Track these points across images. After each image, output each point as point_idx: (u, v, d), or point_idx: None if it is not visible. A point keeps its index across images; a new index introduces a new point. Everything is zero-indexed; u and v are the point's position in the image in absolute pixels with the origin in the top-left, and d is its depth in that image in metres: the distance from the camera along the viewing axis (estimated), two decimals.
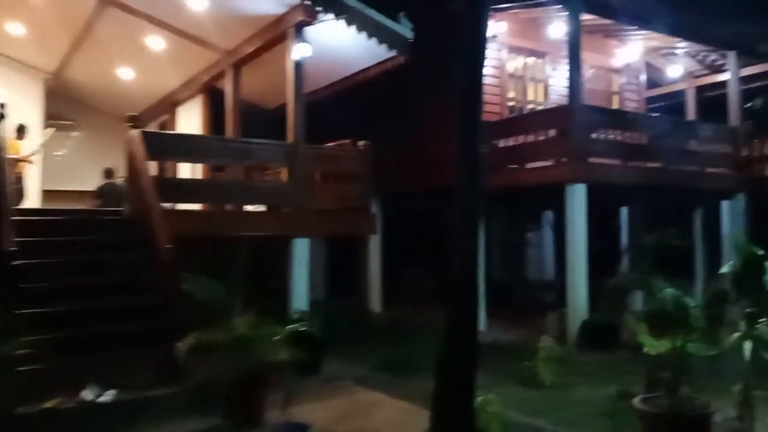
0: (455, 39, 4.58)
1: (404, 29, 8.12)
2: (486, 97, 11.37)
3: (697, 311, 4.56)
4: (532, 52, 12.02)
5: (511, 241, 17.31)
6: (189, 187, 7.74)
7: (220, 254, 8.71)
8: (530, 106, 12.09)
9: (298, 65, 8.08)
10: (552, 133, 10.10)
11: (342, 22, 7.80)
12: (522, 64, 12.02)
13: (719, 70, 13.55)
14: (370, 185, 8.91)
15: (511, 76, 11.87)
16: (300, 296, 7.90)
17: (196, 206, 8.88)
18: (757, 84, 13.30)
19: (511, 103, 11.80)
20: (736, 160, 11.66)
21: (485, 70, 11.32)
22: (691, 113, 14.12)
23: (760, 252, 4.45)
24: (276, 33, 8.47)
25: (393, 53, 8.43)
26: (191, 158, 7.66)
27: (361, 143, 8.97)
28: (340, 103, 10.62)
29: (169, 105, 13.20)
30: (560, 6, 9.92)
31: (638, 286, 8.22)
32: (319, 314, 10.99)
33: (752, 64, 12.70)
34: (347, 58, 9.13)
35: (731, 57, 11.95)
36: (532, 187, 10.27)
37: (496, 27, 11.30)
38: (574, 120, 9.41)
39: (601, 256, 13.37)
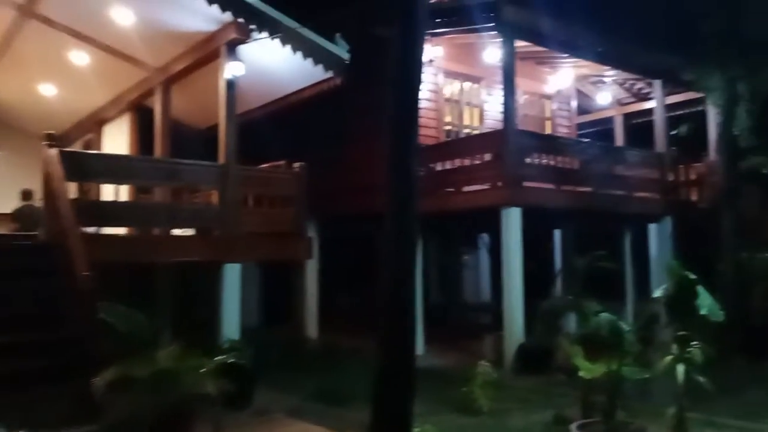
0: (389, 62, 4.47)
1: (341, 50, 8.01)
2: (423, 121, 11.38)
3: (631, 335, 4.54)
4: (467, 77, 12.16)
5: (448, 263, 17.37)
6: (111, 210, 7.30)
7: (145, 282, 8.28)
8: (466, 131, 12.20)
9: (231, 84, 7.83)
10: (487, 157, 10.17)
11: (277, 42, 7.62)
12: (458, 89, 12.13)
13: (646, 98, 14.10)
14: (305, 209, 8.69)
15: (448, 100, 11.97)
16: (231, 325, 7.55)
17: (121, 230, 8.44)
18: (682, 111, 13.89)
19: (447, 127, 11.88)
20: (663, 185, 12.07)
21: (422, 94, 11.49)
22: (619, 139, 14.60)
23: (692, 276, 4.49)
24: (208, 51, 8.20)
25: (329, 74, 8.30)
26: (113, 179, 7.24)
27: (296, 165, 8.75)
28: (275, 124, 10.39)
29: (95, 123, 12.63)
30: (494, 32, 10.05)
31: (571, 308, 8.33)
32: (253, 342, 10.60)
33: (677, 93, 13.26)
34: (282, 78, 8.94)
35: (657, 85, 12.44)
36: (468, 210, 10.31)
37: (433, 51, 11.37)
38: (509, 144, 9.51)
39: (537, 279, 13.55)
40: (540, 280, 13.73)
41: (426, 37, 11.28)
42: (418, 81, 4.49)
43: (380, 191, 9.93)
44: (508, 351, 9.49)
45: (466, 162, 10.44)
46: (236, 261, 7.64)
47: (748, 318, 10.01)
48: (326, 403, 7.44)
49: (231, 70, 7.77)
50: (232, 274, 7.63)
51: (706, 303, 4.43)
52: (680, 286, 4.56)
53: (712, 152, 12.20)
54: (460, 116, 12.15)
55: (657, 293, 4.78)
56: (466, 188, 10.38)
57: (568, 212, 10.95)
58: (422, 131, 11.28)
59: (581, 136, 15.07)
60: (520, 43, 10.83)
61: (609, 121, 15.31)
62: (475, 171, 10.25)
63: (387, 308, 4.37)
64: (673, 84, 12.45)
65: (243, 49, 7.94)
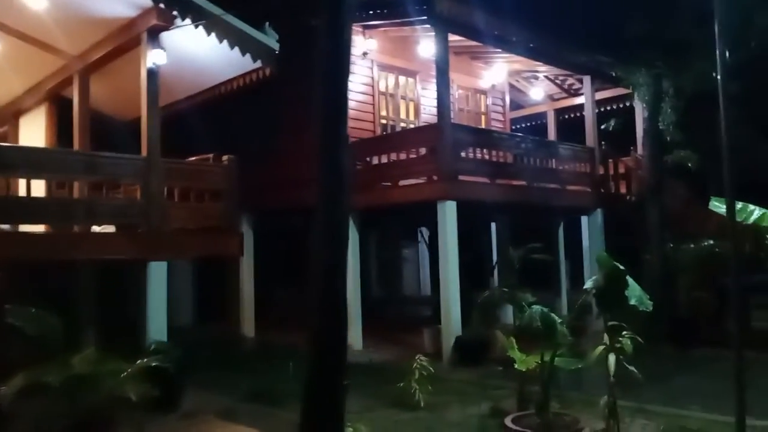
0: (317, 53, 4.28)
1: (270, 40, 7.73)
2: (358, 114, 11.29)
3: (562, 326, 4.53)
4: (403, 71, 12.08)
5: (388, 257, 17.32)
6: (24, 206, 6.80)
7: (66, 282, 7.80)
8: (402, 125, 12.11)
9: (153, 73, 7.44)
10: (423, 151, 10.12)
11: (201, 29, 7.28)
12: (394, 83, 12.03)
13: (577, 93, 14.41)
14: (236, 203, 8.38)
15: (383, 94, 11.84)
16: (157, 325, 7.19)
17: (38, 227, 7.90)
18: (612, 107, 14.26)
19: (383, 121, 11.76)
20: (593, 179, 12.34)
21: (356, 87, 11.35)
22: (552, 134, 14.87)
23: (621, 267, 4.51)
24: (128, 38, 7.77)
25: (258, 64, 8.00)
26: (27, 173, 6.74)
27: (225, 158, 8.43)
28: (206, 117, 10.00)
29: (10, 115, 11.85)
30: (428, 26, 9.99)
31: (507, 300, 8.37)
32: (185, 342, 10.17)
33: (606, 88, 13.58)
34: (209, 68, 8.57)
35: (586, 81, 12.70)
36: (405, 204, 10.23)
37: (367, 44, 11.23)
38: (444, 138, 9.48)
39: (475, 271, 13.65)
40: (478, 272, 13.89)
41: (359, 30, 11.27)
42: (347, 72, 4.31)
43: (313, 184, 9.71)
44: (445, 344, 9.47)
45: (402, 156, 10.34)
46: (162, 259, 7.28)
47: (674, 308, 10.34)
48: (261, 404, 7.20)
49: (152, 58, 7.38)
50: (157, 273, 7.26)
51: (635, 293, 4.46)
52: (609, 277, 4.58)
53: (640, 147, 12.56)
54: (397, 110, 12.05)
55: (588, 284, 4.79)
56: (403, 182, 10.29)
57: (503, 205, 11.06)
58: (358, 125, 11.21)
59: (515, 131, 15.28)
60: (454, 38, 10.83)
61: (542, 116, 15.59)
62: (411, 165, 10.18)
63: (317, 304, 4.19)
64: (602, 80, 12.75)
65: (166, 37, 7.56)
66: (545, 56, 11.72)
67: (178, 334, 11.92)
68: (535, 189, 11.18)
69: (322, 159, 4.24)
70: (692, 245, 10.49)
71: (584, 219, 12.58)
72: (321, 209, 4.20)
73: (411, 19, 9.99)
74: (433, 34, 9.91)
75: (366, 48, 11.26)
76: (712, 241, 10.38)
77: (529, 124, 16.04)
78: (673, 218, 11.27)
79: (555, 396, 6.79)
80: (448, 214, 9.39)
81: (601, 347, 5.44)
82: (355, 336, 10.69)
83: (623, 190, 13.26)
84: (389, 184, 10.43)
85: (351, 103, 11.05)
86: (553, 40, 11.46)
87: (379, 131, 11.54)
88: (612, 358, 5.33)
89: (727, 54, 9.65)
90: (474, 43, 11.48)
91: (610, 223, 12.70)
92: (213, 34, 7.30)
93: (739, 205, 5.15)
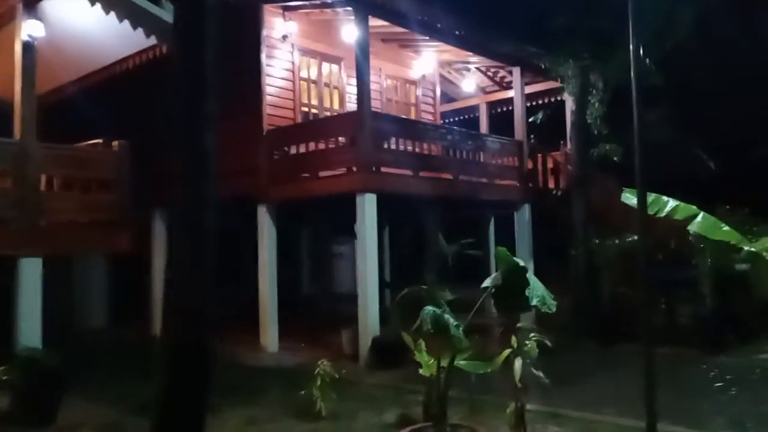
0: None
1: (165, 13, 7.02)
2: (278, 101, 10.67)
3: (458, 330, 4.08)
4: (326, 57, 11.50)
5: (320, 252, 16.73)
6: None
7: None
8: (327, 114, 11.54)
9: (29, 47, 6.63)
10: (343, 140, 9.59)
11: (86, 1, 6.52)
12: (316, 69, 11.43)
13: (509, 86, 14.13)
14: (128, 193, 7.63)
15: (305, 80, 11.23)
16: (30, 330, 6.42)
17: None
18: (543, 100, 14.08)
19: (305, 109, 11.15)
20: (521, 173, 12.08)
21: (276, 72, 10.71)
22: (484, 128, 14.58)
23: (522, 264, 4.09)
24: (3, 9, 6.94)
25: (153, 41, 7.28)
26: None
27: (115, 144, 7.66)
28: (103, 100, 9.15)
29: None
30: (349, 8, 9.44)
31: (425, 298, 7.93)
32: (87, 346, 9.40)
33: (537, 82, 13.37)
34: (99, 45, 7.76)
35: (516, 73, 12.43)
36: (326, 196, 9.68)
37: (286, 26, 10.60)
38: (364, 127, 8.97)
39: (411, 267, 13.24)
40: (415, 268, 13.49)
41: (279, 11, 10.63)
42: (209, 36, 3.73)
43: (235, 175, 8.97)
44: (362, 345, 9.00)
45: (322, 146, 9.79)
46: (35, 255, 6.49)
47: (598, 304, 10.17)
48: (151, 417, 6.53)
49: (28, 30, 6.59)
50: (30, 271, 6.47)
51: (537, 293, 4.06)
52: (509, 274, 4.16)
53: (569, 141, 12.39)
54: (320, 98, 11.46)
55: (486, 282, 4.37)
56: (324, 173, 9.75)
57: (429, 199, 10.62)
58: (277, 112, 10.59)
59: (448, 124, 14.95)
60: (380, 23, 10.34)
61: (475, 109, 15.30)
62: (331, 155, 9.65)
63: (172, 311, 3.60)
64: (532, 72, 12.50)
65: (46, 9, 6.77)
66: (473, 45, 11.36)
67: (83, 337, 11.17)
68: (462, 182, 10.82)
69: (180, 139, 3.67)
70: (617, 240, 10.33)
71: (516, 213, 12.32)
72: (178, 199, 3.62)
73: (331, 0, 9.42)
74: (354, 17, 9.36)
75: (286, 31, 10.63)
76: (635, 236, 10.23)
77: (461, 117, 15.72)
78: (599, 212, 11.11)
79: (465, 401, 6.43)
80: (367, 207, 8.91)
81: (508, 351, 5.08)
82: (270, 338, 10.12)
83: (552, 184, 13.08)
84: (308, 175, 9.87)
85: (270, 89, 10.47)
86: (480, 29, 11.10)
87: (300, 120, 10.93)
88: (518, 362, 4.97)
89: (648, 48, 9.53)
90: (401, 29, 11.00)
91: (540, 218, 12.50)
92: (98, 5, 6.55)
93: (652, 196, 4.83)
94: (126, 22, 6.71)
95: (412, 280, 11.34)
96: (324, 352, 9.94)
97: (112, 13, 6.63)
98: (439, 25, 10.20)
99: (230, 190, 10.61)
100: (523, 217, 12.15)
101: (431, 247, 14.19)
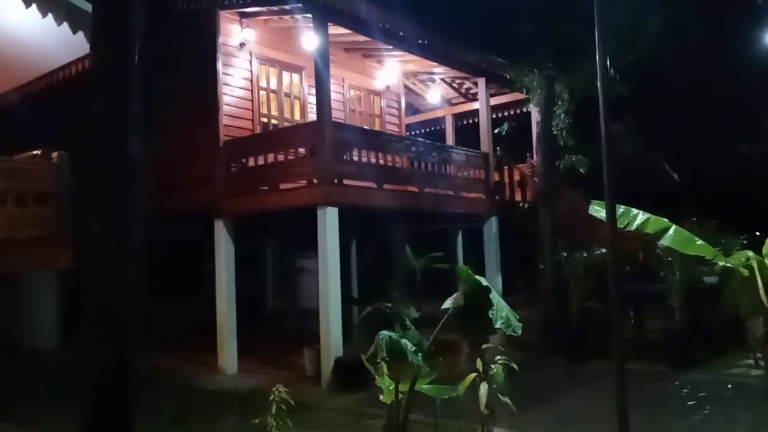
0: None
1: None
2: (236, 111, 10.29)
3: (417, 356, 3.73)
4: (286, 66, 11.13)
5: (286, 268, 16.26)
6: None
7: None
8: (287, 125, 11.14)
9: None
10: (303, 152, 9.21)
11: (19, 2, 6.05)
12: (276, 78, 11.05)
13: (475, 98, 13.93)
14: (68, 207, 7.10)
15: (265, 89, 10.83)
16: None
17: None
18: (509, 112, 13.92)
19: (264, 120, 10.75)
20: (488, 185, 11.84)
21: (234, 81, 10.30)
22: (450, 140, 14.35)
23: (485, 283, 3.76)
24: None
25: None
26: None
27: (55, 155, 7.15)
28: (43, 108, 8.62)
29: None
30: (308, 15, 9.10)
31: (391, 317, 7.58)
32: (29, 368, 8.82)
33: (503, 93, 13.20)
34: (38, 50, 7.28)
35: (481, 83, 12.22)
36: (286, 210, 9.28)
37: (244, 34, 10.23)
38: (324, 138, 8.60)
39: (379, 283, 12.86)
40: (382, 283, 13.12)
41: (236, 18, 10.24)
42: (135, 29, 3.34)
43: (191, 188, 8.42)
44: (325, 367, 8.58)
45: (281, 157, 9.39)
46: None
47: (567, 319, 9.93)
48: None
49: None
50: None
51: (500, 314, 3.74)
52: (471, 294, 3.84)
53: (535, 153, 12.20)
54: (280, 108, 11.08)
55: (447, 303, 4.03)
56: (284, 186, 9.36)
57: (395, 212, 10.30)
58: (235, 122, 10.18)
59: (414, 136, 14.69)
60: (341, 31, 10.05)
61: (440, 121, 15.06)
62: (290, 167, 9.26)
63: (96, 335, 3.18)
64: (497, 83, 12.31)
65: None
66: (437, 55, 11.11)
67: (27, 360, 10.50)
68: (428, 195, 10.53)
69: (102, 145, 3.26)
70: (585, 253, 10.12)
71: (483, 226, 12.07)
72: (98, 210, 3.20)
73: (289, 6, 9.08)
74: (313, 23, 9.02)
75: (243, 38, 10.27)
76: (603, 249, 10.05)
77: (427, 129, 15.48)
78: (566, 225, 10.91)
79: (429, 426, 6.08)
80: (328, 221, 8.54)
81: (473, 375, 4.75)
82: (228, 358, 9.63)
83: (519, 197, 12.88)
84: (267, 188, 9.46)
85: (227, 99, 10.06)
86: (444, 38, 10.87)
87: (259, 131, 10.52)
88: (484, 387, 4.62)
89: (614, 58, 9.39)
90: (364, 38, 10.70)
91: (508, 232, 12.27)
92: (33, 6, 6.08)
93: (621, 209, 4.57)
94: (65, 25, 6.24)
95: (380, 296, 11.01)
96: (286, 374, 9.53)
97: (50, 16, 6.17)
98: (401, 33, 9.92)
99: (186, 203, 10.26)
100: (490, 229, 11.89)
101: (399, 262, 13.88)
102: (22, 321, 12.20)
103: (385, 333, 3.78)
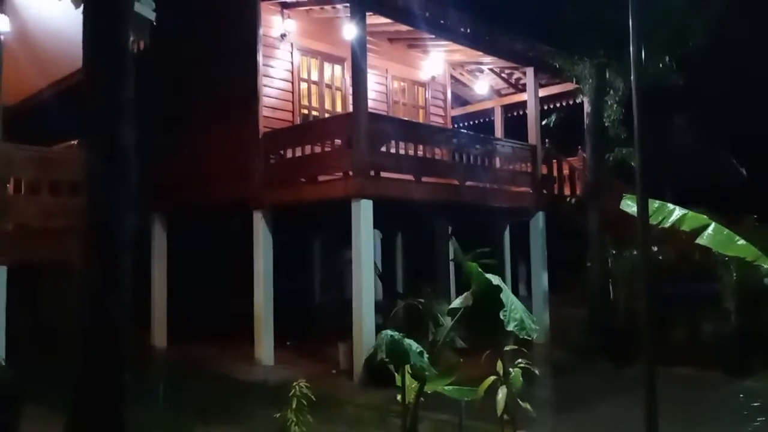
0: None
1: (142, 7, 6.61)
2: (276, 103, 10.24)
3: (422, 357, 3.52)
4: (328, 57, 11.01)
5: (333, 260, 16.25)
6: None
7: None
8: (328, 116, 11.04)
9: None
10: (339, 143, 9.09)
11: None
12: (318, 70, 10.95)
13: (525, 88, 13.48)
14: None
15: (305, 81, 10.76)
16: None
17: None
18: (561, 104, 13.40)
19: (305, 111, 10.68)
20: (535, 179, 11.42)
21: (274, 73, 10.27)
22: (499, 132, 13.95)
23: (495, 282, 3.51)
24: None
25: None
26: None
27: None
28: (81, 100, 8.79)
29: None
30: (347, 4, 8.95)
31: (424, 312, 7.42)
32: (62, 357, 9.01)
33: (554, 84, 12.71)
34: (75, 42, 7.38)
35: (529, 73, 11.79)
36: (323, 202, 9.18)
37: (285, 25, 10.16)
38: (360, 129, 8.44)
39: (425, 277, 12.66)
40: (429, 277, 12.93)
41: (277, 9, 10.19)
42: (126, 14, 3.25)
43: (229, 180, 8.40)
44: (357, 361, 8.45)
45: (318, 149, 9.30)
46: (1, 263, 6.09)
47: (614, 319, 9.46)
48: None
49: None
50: None
51: (514, 316, 3.48)
52: (481, 294, 3.59)
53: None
54: (321, 100, 10.98)
55: (455, 302, 3.80)
56: (322, 178, 9.27)
57: (435, 205, 10.06)
58: (275, 114, 10.14)
59: (460, 128, 14.35)
60: (383, 21, 9.90)
61: (489, 113, 14.65)
62: (326, 159, 9.15)
63: (81, 336, 3.11)
64: (545, 72, 11.85)
65: (15, 2, 6.41)
66: (482, 44, 10.76)
67: (60, 349, 10.81)
68: (469, 188, 10.21)
69: (91, 134, 3.18)
70: (634, 251, 9.60)
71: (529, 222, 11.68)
72: (88, 204, 3.13)
73: None
74: (350, 12, 8.87)
75: (284, 29, 10.20)
76: (655, 248, 9.52)
77: (474, 121, 15.10)
78: (615, 222, 10.36)
79: (454, 427, 5.87)
80: (363, 213, 8.39)
81: (492, 378, 4.50)
82: (265, 350, 9.63)
83: (568, 191, 12.39)
84: (304, 180, 9.39)
85: (267, 90, 10.03)
86: (489, 27, 10.51)
87: (299, 122, 10.46)
88: (502, 391, 4.37)
89: (668, 45, 8.83)
90: (407, 28, 10.46)
91: (556, 228, 11.83)
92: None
93: (655, 204, 4.21)
94: None
95: (425, 291, 10.82)
96: (320, 367, 9.47)
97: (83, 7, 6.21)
98: (443, 22, 9.65)
99: (225, 195, 10.33)
100: (537, 225, 11.48)
101: (444, 257, 13.62)
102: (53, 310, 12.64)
103: (387, 332, 3.58)
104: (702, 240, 4.03)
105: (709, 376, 8.38)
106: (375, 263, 14.11)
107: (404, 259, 16.57)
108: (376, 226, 13.69)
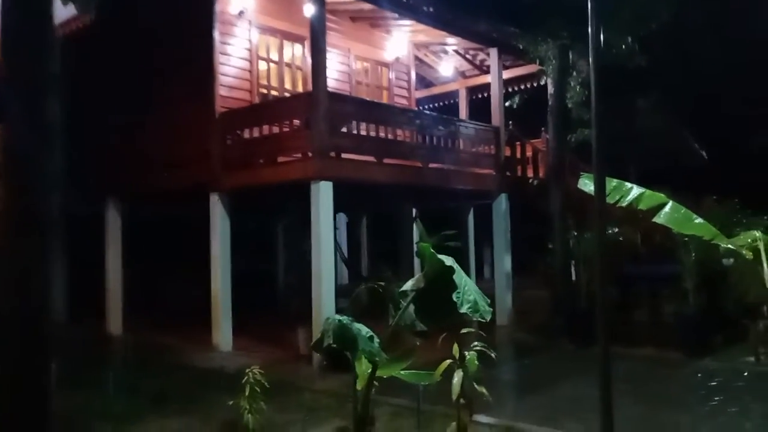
0: None
1: None
2: (234, 82, 9.92)
3: (372, 342, 3.36)
4: (288, 36, 10.70)
5: (296, 245, 16.01)
6: None
7: None
8: (287, 96, 10.76)
9: None
10: (297, 124, 8.84)
11: None
12: (277, 49, 10.64)
13: (489, 71, 13.37)
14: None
15: (264, 60, 10.44)
16: None
17: None
18: (525, 86, 13.32)
19: (264, 91, 10.38)
20: (498, 161, 11.33)
21: (232, 51, 9.93)
22: (463, 114, 13.82)
23: (449, 263, 3.36)
24: None
25: (72, 11, 6.49)
26: None
27: None
28: None
29: None
30: None
31: (385, 295, 7.26)
32: None
33: (519, 65, 12.62)
34: None
35: (493, 54, 11.64)
36: (281, 183, 8.92)
37: (243, 2, 9.83)
38: (319, 109, 8.20)
39: (392, 261, 12.53)
40: (395, 261, 12.79)
41: None
42: None
43: (186, 162, 8.12)
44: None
45: (276, 130, 9.04)
46: None
47: (576, 301, 9.46)
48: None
49: None
50: None
51: (467, 298, 3.34)
52: (433, 275, 3.44)
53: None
54: (281, 80, 10.69)
55: (407, 284, 3.65)
56: (282, 159, 9.02)
57: (399, 188, 9.91)
58: (232, 94, 9.84)
59: (424, 110, 14.18)
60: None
61: (454, 95, 14.52)
62: (285, 140, 8.91)
63: (5, 318, 2.88)
64: (510, 54, 11.72)
65: None
66: (444, 23, 10.57)
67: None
68: (432, 170, 10.06)
69: (12, 108, 2.91)
70: None
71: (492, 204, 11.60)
72: (8, 183, 2.88)
73: None
74: None
75: (242, 6, 9.86)
76: (616, 229, 9.55)
77: (439, 103, 14.96)
78: (578, 203, 10.34)
79: (411, 411, 5.78)
80: (322, 196, 8.16)
81: (447, 362, 4.38)
82: (223, 336, 9.41)
83: (531, 173, 12.35)
84: (263, 161, 9.14)
85: (224, 69, 9.71)
86: (453, 6, 10.32)
87: (257, 102, 10.16)
88: (458, 375, 4.25)
89: (629, 26, 8.75)
90: (370, 6, 10.23)
91: (520, 210, 11.79)
92: None
93: (613, 182, 4.12)
94: None
95: (390, 274, 10.68)
96: (280, 353, 9.28)
97: None
98: (405, 0, 9.41)
99: (183, 179, 9.99)
100: (499, 207, 11.41)
101: (409, 240, 13.50)
102: None
103: (334, 317, 3.42)
104: (659, 219, 3.94)
105: (669, 356, 8.44)
106: (340, 247, 14.08)
107: (369, 242, 16.45)
108: (340, 209, 13.61)
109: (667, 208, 3.90)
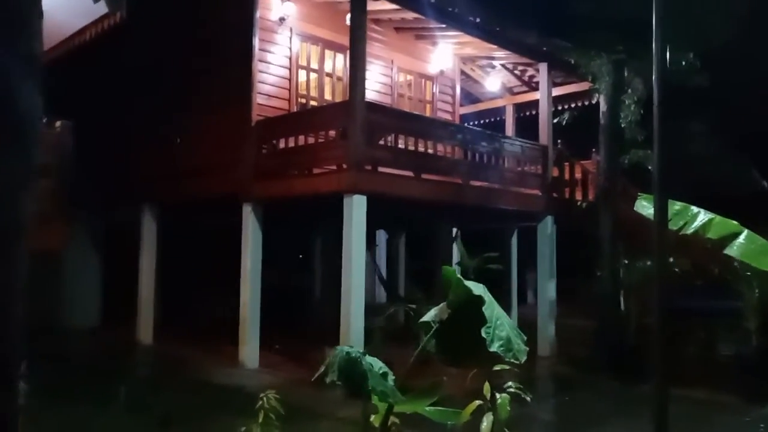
0: None
1: None
2: (272, 90, 9.66)
3: (382, 381, 2.90)
4: (329, 44, 10.41)
5: (333, 258, 15.65)
6: None
7: None
8: (324, 105, 10.44)
9: None
10: (333, 134, 8.48)
11: None
12: (318, 57, 10.36)
13: (538, 87, 12.83)
14: (67, 183, 6.64)
15: (304, 68, 10.17)
16: None
17: None
18: (577, 103, 12.75)
19: (302, 100, 10.09)
20: (545, 181, 10.74)
21: (271, 58, 9.69)
22: (510, 132, 13.29)
23: (478, 292, 2.88)
24: None
25: (101, 8, 6.30)
26: None
27: (58, 125, 6.69)
28: (61, 77, 8.25)
29: None
30: None
31: (413, 320, 6.78)
32: (58, 352, 8.55)
33: (571, 83, 12.05)
34: (53, 14, 6.86)
35: (543, 69, 11.11)
36: (315, 196, 8.57)
37: (284, 8, 9.59)
38: (356, 119, 7.82)
39: (426, 281, 12.05)
40: (427, 281, 12.30)
41: None
42: None
43: (218, 171, 7.83)
44: None
45: (312, 140, 8.70)
46: None
47: (624, 334, 8.77)
48: None
49: None
50: None
51: (500, 333, 2.85)
52: (460, 306, 2.97)
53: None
54: (321, 89, 10.39)
55: (429, 314, 3.18)
56: (317, 170, 8.67)
57: (438, 206, 9.44)
58: (270, 102, 9.57)
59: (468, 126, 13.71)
60: (388, 7, 9.35)
61: (500, 111, 14.02)
62: (320, 151, 8.54)
63: None
64: (561, 70, 11.18)
65: None
66: (493, 35, 10.11)
67: (60, 341, 10.30)
68: (473, 188, 9.55)
69: None
70: (648, 261, 8.92)
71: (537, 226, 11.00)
72: None
73: None
74: None
75: (283, 13, 9.62)
76: (671, 259, 8.83)
77: (484, 120, 14.46)
78: (629, 229, 9.68)
79: None
80: (355, 209, 7.75)
81: (476, 403, 3.88)
82: (249, 353, 9.04)
83: (580, 195, 11.69)
84: (297, 172, 8.81)
85: (263, 77, 9.46)
86: (502, 18, 9.87)
87: (295, 110, 9.88)
88: (487, 420, 3.75)
89: (690, 44, 8.11)
90: (414, 15, 9.89)
91: (567, 233, 11.14)
92: None
93: (676, 206, 3.57)
94: None
95: (428, 296, 10.16)
96: (306, 373, 8.82)
97: None
98: (450, 9, 9.01)
99: (214, 186, 9.73)
100: (545, 229, 10.80)
101: (448, 260, 12.97)
102: (63, 299, 12.16)
103: (342, 349, 2.96)
104: (732, 250, 3.38)
105: (726, 400, 7.68)
106: (378, 266, 13.64)
107: (408, 261, 15.95)
108: (379, 226, 13.18)
109: (741, 239, 3.35)
